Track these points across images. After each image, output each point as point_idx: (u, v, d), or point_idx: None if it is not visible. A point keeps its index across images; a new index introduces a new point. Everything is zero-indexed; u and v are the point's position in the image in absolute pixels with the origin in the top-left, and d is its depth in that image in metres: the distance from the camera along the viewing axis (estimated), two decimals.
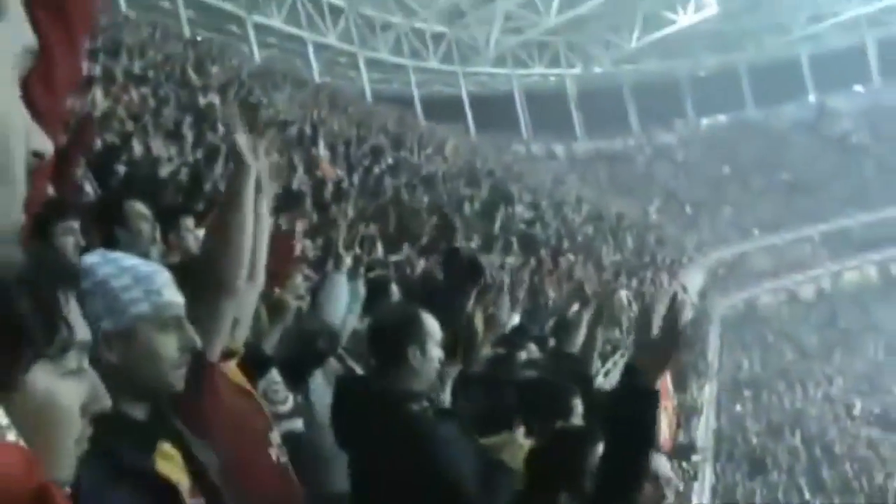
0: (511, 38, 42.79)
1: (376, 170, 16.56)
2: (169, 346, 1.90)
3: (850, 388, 30.67)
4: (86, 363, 1.34)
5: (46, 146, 0.77)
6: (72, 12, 1.13)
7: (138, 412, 1.88)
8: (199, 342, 2.05)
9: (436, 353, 3.15)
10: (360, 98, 32.76)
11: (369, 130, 22.83)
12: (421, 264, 8.31)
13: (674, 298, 2.72)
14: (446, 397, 3.70)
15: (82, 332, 1.32)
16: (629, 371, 2.67)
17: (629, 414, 2.64)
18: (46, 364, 1.25)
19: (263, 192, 2.73)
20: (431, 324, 3.17)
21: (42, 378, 1.23)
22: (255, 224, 2.59)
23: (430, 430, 3.07)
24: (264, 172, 2.69)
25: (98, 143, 6.05)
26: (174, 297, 1.95)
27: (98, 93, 7.40)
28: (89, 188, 5.09)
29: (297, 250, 5.17)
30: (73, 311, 1.29)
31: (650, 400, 2.65)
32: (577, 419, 3.80)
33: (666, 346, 2.64)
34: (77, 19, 1.15)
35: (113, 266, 1.89)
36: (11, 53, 0.73)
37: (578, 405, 3.84)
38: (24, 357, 1.24)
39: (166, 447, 1.89)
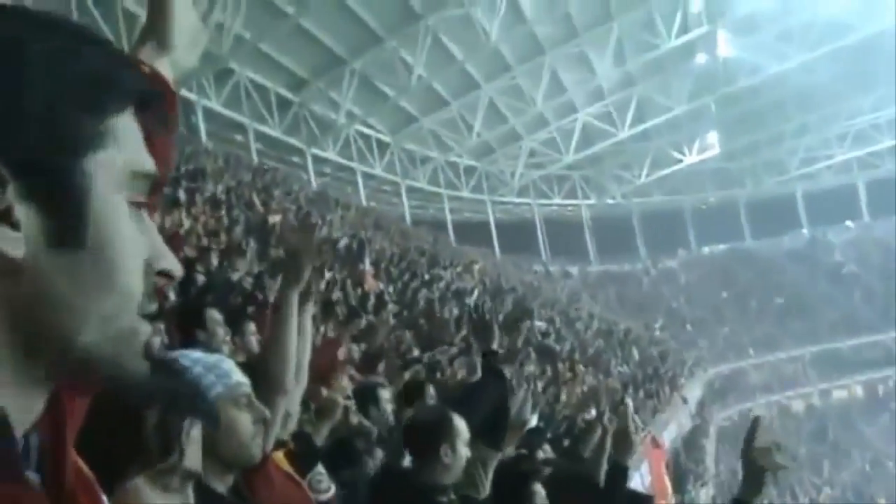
0: (534, 172, 43.47)
1: (413, 284, 16.71)
2: (245, 420, 1.96)
3: (837, 498, 29.70)
4: (189, 492, 1.36)
5: (175, 267, 0.78)
6: (156, 153, 1.21)
7: (221, 486, 1.96)
8: (269, 414, 2.11)
9: (464, 451, 3.16)
10: (400, 221, 33.23)
11: (408, 250, 23.12)
12: (449, 370, 8.34)
13: (754, 424, 2.86)
14: (487, 486, 3.64)
15: (194, 462, 1.36)
16: None
17: None
18: (149, 479, 1.29)
19: (307, 307, 2.81)
20: (461, 425, 3.19)
21: (141, 490, 1.28)
22: (300, 333, 2.66)
23: None
24: (310, 288, 2.76)
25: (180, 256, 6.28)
26: (241, 378, 2.01)
27: (183, 213, 7.66)
28: (172, 295, 5.28)
29: (344, 355, 5.27)
30: (192, 441, 1.34)
31: None
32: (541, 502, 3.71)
33: (758, 477, 2.85)
34: (160, 157, 1.23)
35: (185, 360, 1.95)
36: (119, 174, 0.74)
37: (539, 492, 3.73)
38: (134, 466, 1.30)
39: None
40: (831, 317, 41.71)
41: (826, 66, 35.85)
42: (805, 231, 49.88)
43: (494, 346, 4.14)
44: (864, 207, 49.59)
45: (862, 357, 39.91)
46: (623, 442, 4.11)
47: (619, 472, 4.10)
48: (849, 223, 49.72)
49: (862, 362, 39.83)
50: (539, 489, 3.73)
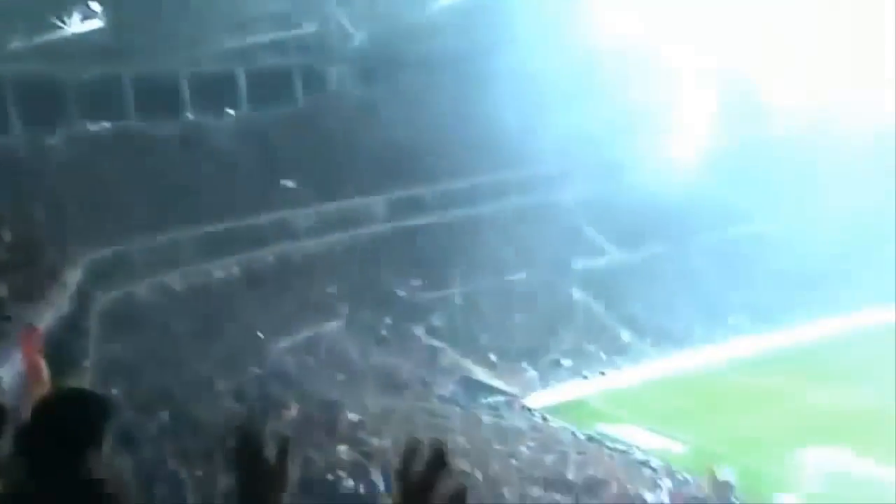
0: None
1: None
2: None
3: (212, 368, 31.56)
4: None
5: None
6: None
7: None
8: None
9: None
10: None
11: None
12: None
13: None
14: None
15: None
16: None
17: None
18: None
19: None
20: None
21: None
22: None
23: None
24: None
25: None
26: None
27: None
28: None
29: None
30: None
31: None
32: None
33: None
34: None
35: None
36: None
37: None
38: None
39: None
40: (212, 199, 44.08)
41: None
42: (189, 115, 51.19)
43: None
44: (243, 96, 52.77)
45: (239, 238, 43.39)
46: None
47: None
48: (230, 111, 52.56)
49: (240, 242, 43.37)
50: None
